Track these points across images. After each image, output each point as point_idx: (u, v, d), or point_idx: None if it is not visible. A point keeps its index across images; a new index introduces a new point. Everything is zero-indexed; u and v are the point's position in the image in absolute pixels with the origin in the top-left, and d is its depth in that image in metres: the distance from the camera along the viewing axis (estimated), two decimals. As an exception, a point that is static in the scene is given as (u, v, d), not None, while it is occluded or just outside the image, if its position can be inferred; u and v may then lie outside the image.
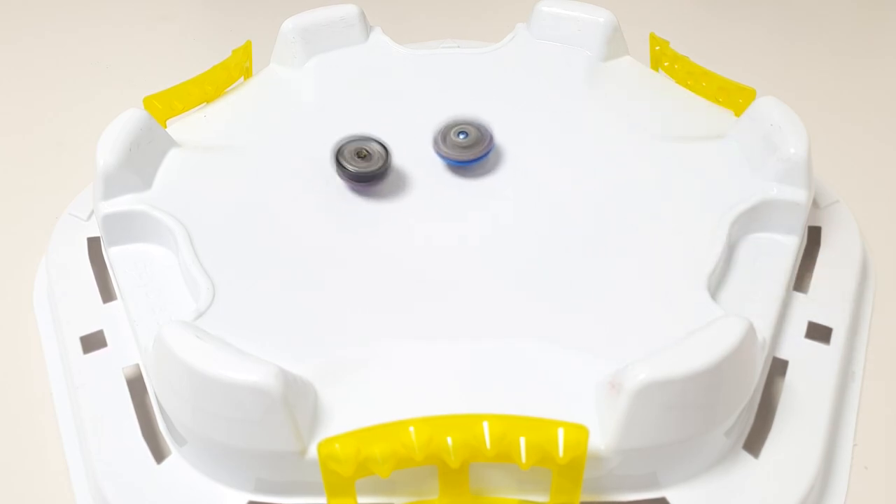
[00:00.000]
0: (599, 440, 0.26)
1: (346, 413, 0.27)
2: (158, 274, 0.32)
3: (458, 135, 0.35)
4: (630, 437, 0.25)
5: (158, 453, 0.29)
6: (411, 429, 0.25)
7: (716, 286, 0.31)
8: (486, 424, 0.25)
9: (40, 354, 0.34)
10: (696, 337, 0.26)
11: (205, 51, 0.52)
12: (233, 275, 0.31)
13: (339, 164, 0.34)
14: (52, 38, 0.54)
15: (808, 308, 0.33)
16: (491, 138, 0.35)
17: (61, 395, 0.32)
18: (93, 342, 0.32)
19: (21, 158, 0.44)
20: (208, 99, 0.39)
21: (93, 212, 0.37)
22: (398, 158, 0.36)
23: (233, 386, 0.25)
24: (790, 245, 0.33)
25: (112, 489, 0.28)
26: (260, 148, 0.36)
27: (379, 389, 0.28)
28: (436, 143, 0.35)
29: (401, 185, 0.35)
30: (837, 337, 0.32)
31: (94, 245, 0.36)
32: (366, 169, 0.34)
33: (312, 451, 0.26)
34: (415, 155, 0.36)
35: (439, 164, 0.36)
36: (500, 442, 0.24)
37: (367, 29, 0.42)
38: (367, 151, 0.34)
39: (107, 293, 0.34)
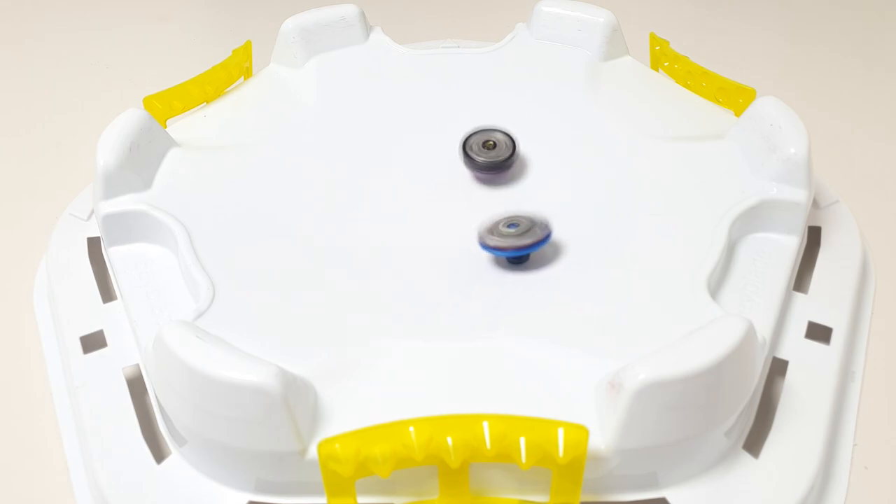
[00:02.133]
0: (599, 440, 0.26)
1: (346, 413, 0.27)
2: (158, 274, 0.32)
3: (507, 226, 0.31)
4: (630, 437, 0.25)
5: (158, 453, 0.29)
6: (411, 429, 0.25)
7: (716, 286, 0.31)
8: (486, 424, 0.25)
9: (40, 354, 0.34)
10: (696, 337, 0.26)
11: (205, 51, 0.52)
12: (233, 275, 0.31)
13: (467, 156, 0.35)
14: (52, 38, 0.54)
15: (808, 308, 0.33)
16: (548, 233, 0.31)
17: (61, 395, 0.32)
18: (93, 342, 0.32)
19: (21, 158, 0.44)
20: (208, 99, 0.39)
21: (93, 212, 0.37)
22: (399, 157, 0.36)
23: (233, 386, 0.25)
24: (790, 245, 0.33)
25: (112, 489, 0.28)
26: (260, 148, 0.36)
27: (379, 389, 0.28)
28: (483, 236, 0.32)
29: (402, 185, 0.35)
30: (837, 337, 0.32)
31: (94, 245, 0.36)
32: (495, 158, 0.34)
33: (312, 451, 0.26)
34: (415, 155, 0.36)
35: (440, 165, 0.36)
36: (500, 442, 0.24)
37: (367, 29, 0.42)
38: (493, 142, 0.35)
39: (107, 293, 0.34)
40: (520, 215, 0.32)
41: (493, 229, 0.32)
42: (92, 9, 0.57)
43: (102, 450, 0.29)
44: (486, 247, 0.31)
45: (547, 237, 0.31)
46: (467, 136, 0.35)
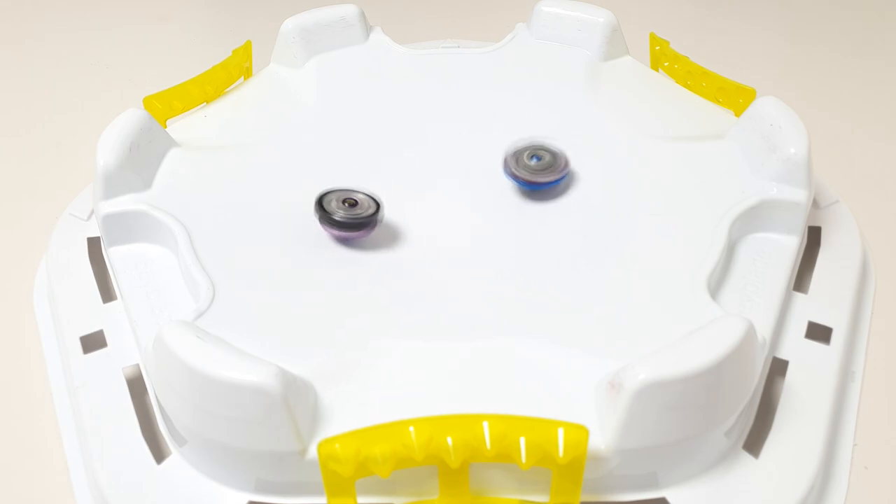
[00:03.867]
0: (599, 440, 0.26)
1: (346, 413, 0.27)
2: (158, 274, 0.32)
3: (531, 158, 0.34)
4: (630, 437, 0.25)
5: (158, 453, 0.29)
6: (411, 429, 0.25)
7: (716, 286, 0.31)
8: (486, 424, 0.25)
9: (40, 354, 0.34)
10: (696, 337, 0.26)
11: (205, 51, 0.52)
12: (233, 275, 0.31)
13: (323, 212, 0.32)
14: (52, 38, 0.54)
15: (808, 308, 0.33)
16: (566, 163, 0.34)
17: (61, 395, 0.32)
18: (93, 342, 0.32)
19: (21, 158, 0.44)
20: (208, 99, 0.39)
21: (93, 212, 0.37)
22: (399, 157, 0.35)
23: (233, 386, 0.25)
24: (790, 245, 0.33)
25: (112, 489, 0.28)
26: (260, 148, 0.36)
27: (379, 389, 0.28)
28: (506, 164, 0.34)
29: (401, 185, 0.35)
30: (837, 337, 0.32)
31: (94, 245, 0.36)
32: (356, 216, 0.32)
33: (312, 451, 0.26)
34: (415, 155, 0.36)
35: (438, 164, 0.36)
36: (500, 442, 0.24)
37: (367, 29, 0.42)
38: (354, 200, 0.32)
39: (107, 293, 0.34)
40: (544, 147, 0.35)
41: (517, 158, 0.34)
42: (92, 9, 0.57)
43: (102, 450, 0.29)
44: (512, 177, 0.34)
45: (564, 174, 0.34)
46: (324, 193, 0.33)
